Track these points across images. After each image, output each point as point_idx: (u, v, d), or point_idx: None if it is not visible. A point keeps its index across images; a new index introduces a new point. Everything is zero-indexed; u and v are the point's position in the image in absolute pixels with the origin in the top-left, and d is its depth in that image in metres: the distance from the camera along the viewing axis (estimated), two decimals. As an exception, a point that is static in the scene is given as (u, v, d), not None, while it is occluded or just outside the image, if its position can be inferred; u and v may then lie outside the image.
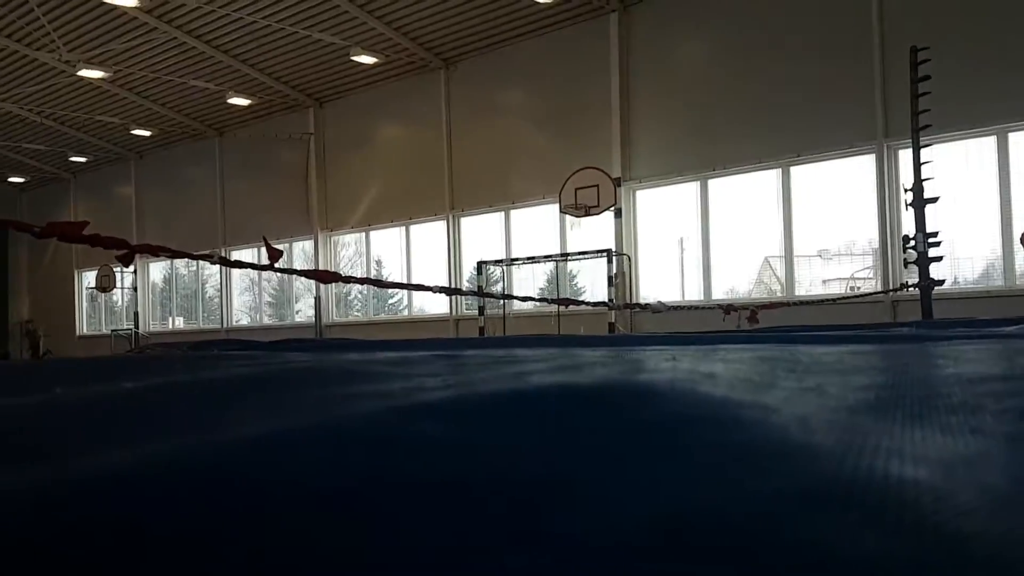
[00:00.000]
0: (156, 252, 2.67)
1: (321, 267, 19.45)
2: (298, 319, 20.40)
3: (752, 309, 4.21)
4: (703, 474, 0.37)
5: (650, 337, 2.62)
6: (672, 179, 13.86)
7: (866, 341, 2.02)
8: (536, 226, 15.61)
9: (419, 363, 1.73)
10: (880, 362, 1.30)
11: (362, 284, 2.88)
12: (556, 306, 12.51)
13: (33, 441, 0.64)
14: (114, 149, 23.37)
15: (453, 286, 16.75)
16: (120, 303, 25.07)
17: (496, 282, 16.08)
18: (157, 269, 24.30)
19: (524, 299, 4.07)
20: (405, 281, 18.13)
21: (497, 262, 15.21)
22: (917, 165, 5.73)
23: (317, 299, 19.36)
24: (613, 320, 12.94)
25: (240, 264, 2.86)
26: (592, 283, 15.11)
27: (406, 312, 18.50)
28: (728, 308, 4.15)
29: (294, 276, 21.69)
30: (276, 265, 2.69)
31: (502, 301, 14.68)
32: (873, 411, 0.64)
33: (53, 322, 26.65)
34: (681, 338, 2.39)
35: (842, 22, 12.00)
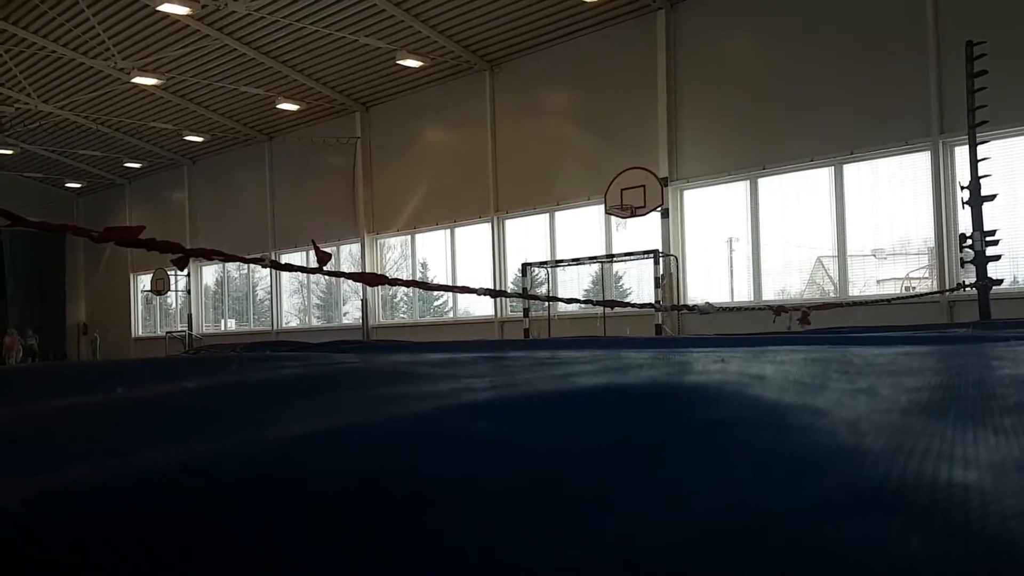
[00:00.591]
0: (209, 256, 2.73)
1: (368, 270, 19.67)
2: (346, 321, 20.65)
3: (804, 310, 4.14)
4: (751, 476, 0.37)
5: (698, 339, 2.60)
6: (721, 178, 13.71)
7: (921, 342, 1.97)
8: (581, 227, 15.57)
9: (465, 364, 1.74)
10: (935, 363, 1.27)
11: (408, 287, 2.91)
12: (602, 308, 12.47)
13: (97, 438, 0.66)
14: (167, 155, 23.93)
15: (497, 288, 16.80)
16: (174, 306, 25.66)
17: (541, 284, 16.07)
18: (209, 272, 24.80)
19: (569, 301, 4.06)
20: (450, 283, 18.24)
21: (542, 264, 15.20)
22: (974, 162, 5.59)
23: (364, 301, 19.57)
24: (660, 322, 12.84)
25: (290, 267, 2.91)
26: (638, 284, 15.01)
27: (451, 314, 18.60)
28: (779, 309, 4.08)
29: (342, 279, 21.88)
30: (324, 268, 2.73)
31: (547, 303, 14.68)
32: (926, 413, 0.63)
33: (109, 324, 27.37)
34: (730, 340, 2.37)
35: (895, 15, 11.74)
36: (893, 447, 0.41)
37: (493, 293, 3.08)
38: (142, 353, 25.68)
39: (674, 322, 13.60)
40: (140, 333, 26.92)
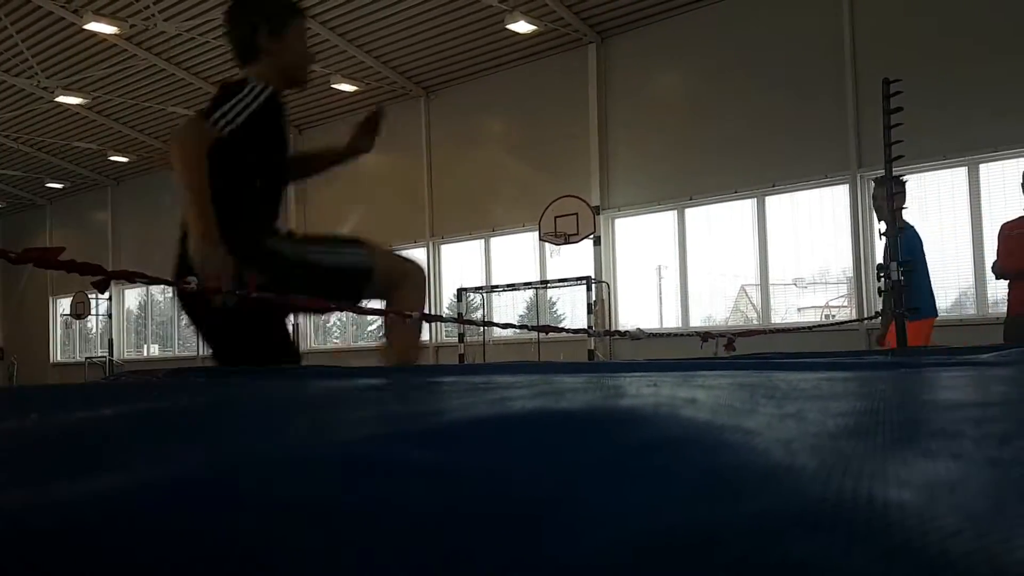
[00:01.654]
0: (132, 278, 2.64)
1: (299, 294, 19.32)
2: (275, 346, 20.22)
3: (729, 337, 4.24)
4: (690, 495, 0.37)
5: (629, 363, 2.63)
6: (650, 208, 13.97)
7: (841, 368, 2.03)
8: (516, 253, 15.65)
9: (397, 389, 1.72)
10: (857, 388, 1.31)
11: (341, 311, 2.87)
12: (536, 333, 12.53)
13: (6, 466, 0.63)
14: (91, 175, 23.22)
15: (433, 312, 16.72)
16: (95, 330, 24.77)
17: (476, 309, 16.06)
18: (132, 296, 24.05)
19: (504, 326, 4.07)
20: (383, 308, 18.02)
21: (477, 289, 15.21)
22: (890, 195, 5.83)
23: (295, 326, 19.20)
24: (593, 347, 12.96)
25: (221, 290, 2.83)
26: (572, 310, 15.14)
27: (385, 340, 18.40)
28: (705, 336, 4.18)
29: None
30: (255, 293, 2.67)
31: (482, 328, 14.66)
32: (854, 436, 0.65)
33: (27, 349, 26.26)
34: (660, 364, 2.40)
35: (815, 55, 12.22)
36: (827, 467, 0.42)
37: (428, 318, 3.06)
38: (61, 379, 24.67)
39: (607, 348, 13.73)
40: (59, 358, 25.89)
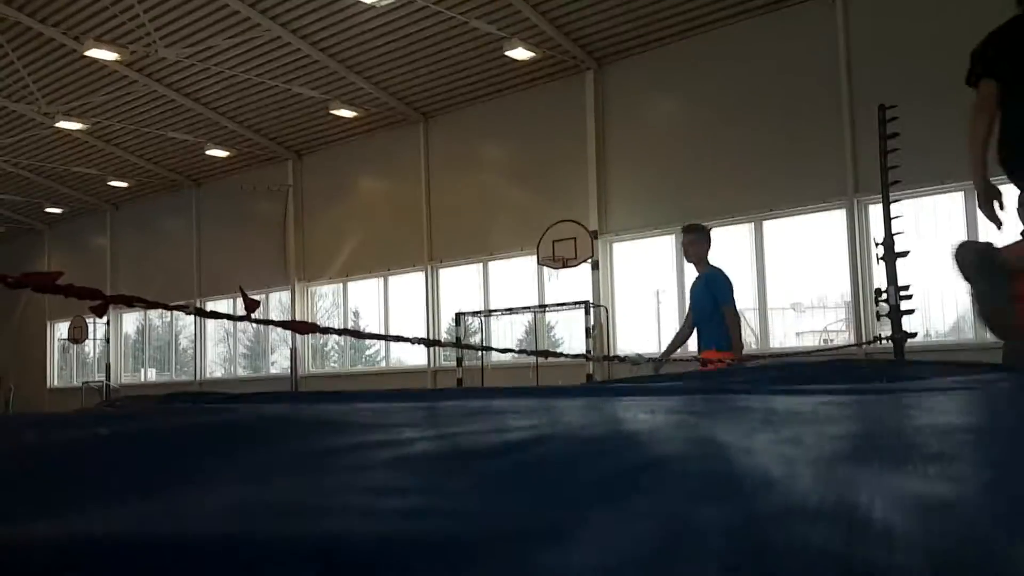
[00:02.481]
0: (130, 302, 2.64)
1: (298, 318, 19.34)
2: (273, 371, 20.19)
3: (728, 363, 4.25)
4: (682, 510, 0.38)
5: (627, 387, 2.63)
6: (648, 232, 14.01)
7: (836, 393, 2.03)
8: (514, 278, 15.67)
9: (399, 414, 1.72)
10: (852, 412, 1.32)
11: (340, 335, 2.87)
12: (535, 357, 12.50)
13: None
14: (90, 200, 23.28)
15: (431, 337, 16.70)
16: (92, 355, 24.71)
17: (474, 333, 16.05)
18: (130, 320, 24.02)
19: (503, 351, 4.06)
20: (383, 332, 18.08)
21: (475, 313, 15.21)
22: (888, 220, 5.87)
23: (293, 350, 19.20)
24: (591, 372, 12.93)
25: (216, 315, 2.84)
26: (570, 334, 15.12)
27: (384, 363, 18.38)
28: (704, 362, 4.19)
29: (270, 327, 21.58)
30: (253, 316, 2.68)
31: (480, 352, 14.64)
32: (849, 459, 0.65)
33: (24, 374, 26.17)
34: (658, 387, 2.40)
35: (812, 80, 12.32)
36: (819, 487, 0.43)
37: (427, 343, 3.06)
38: (57, 405, 24.57)
39: (605, 372, 13.69)
40: (56, 383, 25.79)
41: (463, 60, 14.96)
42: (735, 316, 6.48)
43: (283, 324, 2.88)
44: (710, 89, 13.36)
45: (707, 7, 12.84)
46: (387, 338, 3.11)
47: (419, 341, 2.97)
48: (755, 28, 12.86)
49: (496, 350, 3.92)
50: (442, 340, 16.62)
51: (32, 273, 2.13)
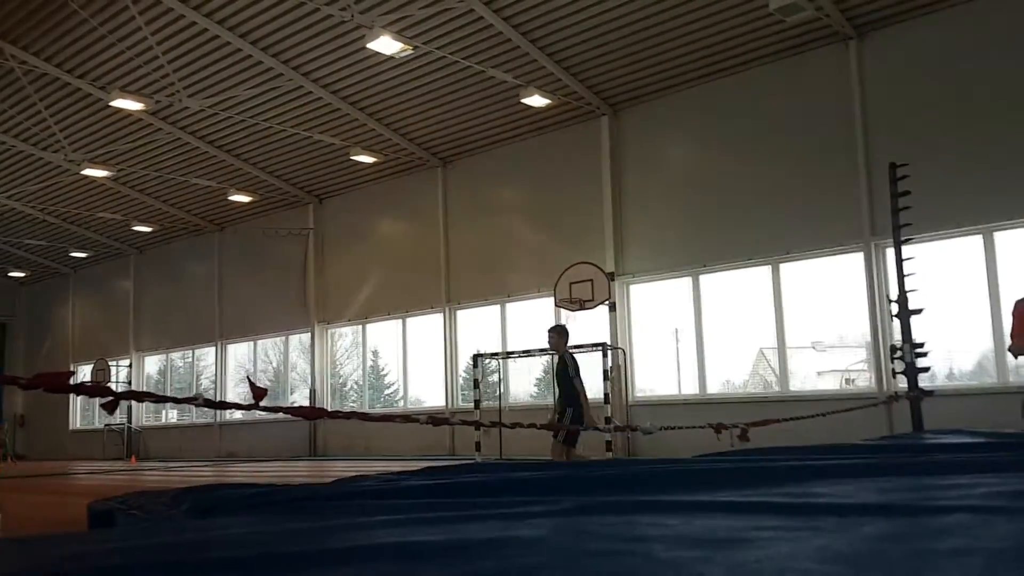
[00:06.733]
0: (140, 399, 2.75)
1: (317, 359, 19.51)
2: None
3: (742, 427, 4.31)
4: None
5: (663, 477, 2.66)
6: (664, 274, 14.06)
7: (863, 472, 2.09)
8: (532, 319, 15.71)
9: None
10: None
11: (347, 419, 2.97)
12: (552, 399, 12.50)
13: None
14: (114, 244, 23.67)
15: (450, 376, 16.79)
16: (114, 396, 24.90)
17: (492, 373, 16.08)
18: (152, 362, 24.27)
19: (527, 427, 4.00)
20: (401, 371, 18.21)
21: (494, 355, 15.26)
22: (901, 276, 5.89)
23: (312, 392, 19.32)
24: (610, 415, 12.86)
25: (225, 405, 2.95)
26: (588, 376, 15.07)
27: (402, 403, 18.44)
28: (719, 427, 4.25)
29: (290, 367, 21.78)
30: (261, 404, 2.79)
31: (498, 393, 14.70)
32: None
33: (46, 416, 26.46)
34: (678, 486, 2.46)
35: (827, 125, 12.39)
36: None
37: (435, 422, 3.13)
38: (79, 447, 24.78)
39: (624, 443, 13.61)
40: (79, 426, 26.03)
41: (480, 107, 15.19)
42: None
43: (291, 411, 2.99)
44: (725, 133, 13.48)
45: (721, 53, 12.99)
46: (398, 419, 3.20)
47: (428, 421, 3.05)
48: (770, 73, 12.99)
49: (517, 426, 3.94)
50: (460, 380, 16.70)
51: (45, 374, 2.22)
